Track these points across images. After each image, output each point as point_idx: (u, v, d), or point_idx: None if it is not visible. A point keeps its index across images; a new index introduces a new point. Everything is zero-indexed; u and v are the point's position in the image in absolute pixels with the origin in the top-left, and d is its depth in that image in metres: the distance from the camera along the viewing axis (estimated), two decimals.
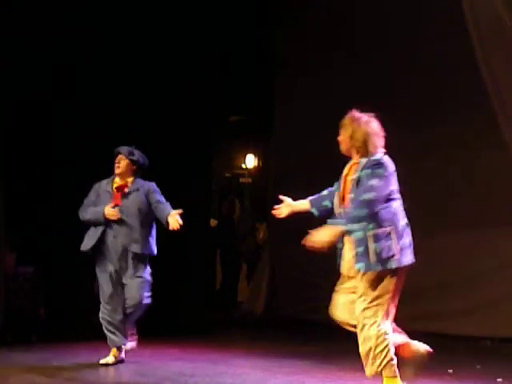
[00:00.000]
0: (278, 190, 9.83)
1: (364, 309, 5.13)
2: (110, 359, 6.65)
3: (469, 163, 9.03)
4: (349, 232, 5.17)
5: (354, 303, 5.25)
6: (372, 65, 9.79)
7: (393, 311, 5.31)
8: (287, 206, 5.59)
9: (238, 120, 11.55)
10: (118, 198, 6.62)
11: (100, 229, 6.52)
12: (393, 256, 5.24)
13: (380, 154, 5.31)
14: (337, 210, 5.37)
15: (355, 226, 5.15)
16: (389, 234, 5.22)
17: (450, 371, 6.64)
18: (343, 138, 5.35)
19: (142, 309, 6.64)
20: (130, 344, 6.73)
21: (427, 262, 8.89)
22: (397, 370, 5.22)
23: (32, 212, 9.13)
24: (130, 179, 6.63)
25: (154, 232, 6.68)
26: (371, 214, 5.09)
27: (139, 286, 6.59)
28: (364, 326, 5.16)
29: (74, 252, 8.30)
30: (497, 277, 8.71)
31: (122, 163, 6.62)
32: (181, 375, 6.33)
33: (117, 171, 6.63)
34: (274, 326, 10.22)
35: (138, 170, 6.73)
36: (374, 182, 5.16)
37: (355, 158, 5.28)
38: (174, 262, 8.57)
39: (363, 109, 6.31)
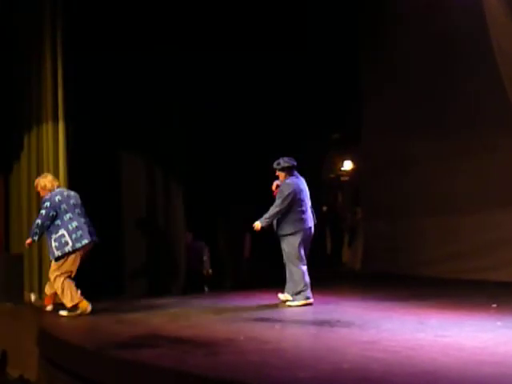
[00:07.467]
0: (366, 184, 11.89)
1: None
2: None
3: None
4: None
5: None
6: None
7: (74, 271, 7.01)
8: None
9: (338, 137, 13.08)
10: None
11: None
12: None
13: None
14: None
15: None
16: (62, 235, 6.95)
17: (495, 305, 7.11)
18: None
19: None
20: None
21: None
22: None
23: (203, 204, 10.22)
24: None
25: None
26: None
27: None
28: None
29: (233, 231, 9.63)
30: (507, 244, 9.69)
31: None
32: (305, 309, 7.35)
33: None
34: (368, 278, 11.12)
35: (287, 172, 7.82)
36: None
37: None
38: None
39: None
